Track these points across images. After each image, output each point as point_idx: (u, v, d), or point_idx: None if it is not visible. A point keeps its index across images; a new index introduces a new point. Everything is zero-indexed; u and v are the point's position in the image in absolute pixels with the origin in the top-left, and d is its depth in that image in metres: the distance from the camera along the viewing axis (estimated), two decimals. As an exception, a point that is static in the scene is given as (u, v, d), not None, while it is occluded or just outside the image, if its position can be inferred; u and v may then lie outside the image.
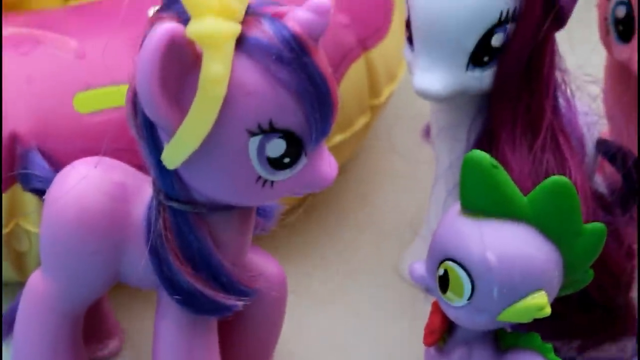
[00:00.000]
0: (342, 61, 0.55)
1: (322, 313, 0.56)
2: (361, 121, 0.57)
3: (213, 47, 0.37)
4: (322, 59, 0.39)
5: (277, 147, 0.40)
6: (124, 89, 0.41)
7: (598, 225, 0.43)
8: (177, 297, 0.43)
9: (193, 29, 0.37)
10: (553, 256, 0.43)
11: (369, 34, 0.57)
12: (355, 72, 0.56)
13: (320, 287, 0.57)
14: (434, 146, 0.53)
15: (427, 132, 0.56)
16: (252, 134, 0.39)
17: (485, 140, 0.48)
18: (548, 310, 0.42)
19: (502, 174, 0.42)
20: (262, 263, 0.47)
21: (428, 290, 0.44)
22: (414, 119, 0.61)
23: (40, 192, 0.46)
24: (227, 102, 0.38)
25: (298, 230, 0.58)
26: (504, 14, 0.46)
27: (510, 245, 0.42)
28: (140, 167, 0.44)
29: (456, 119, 0.50)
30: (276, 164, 0.40)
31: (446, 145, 0.51)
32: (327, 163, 0.42)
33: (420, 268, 0.45)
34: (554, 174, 0.47)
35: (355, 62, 0.56)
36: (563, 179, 0.42)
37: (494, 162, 0.42)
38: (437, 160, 0.53)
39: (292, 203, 0.51)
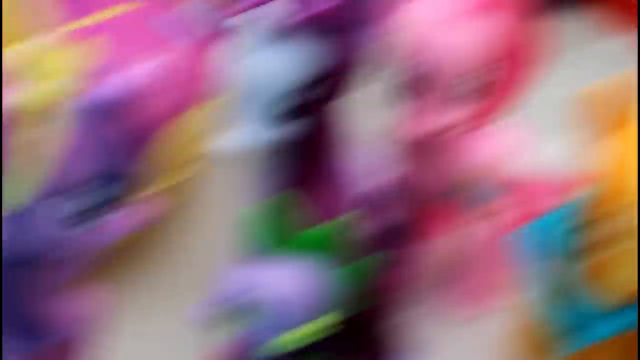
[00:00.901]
0: (160, 122, 0.56)
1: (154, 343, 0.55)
2: (186, 172, 0.58)
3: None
4: (142, 118, 0.41)
5: (96, 196, 0.41)
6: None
7: (372, 257, 0.47)
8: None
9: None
10: (331, 286, 0.46)
11: (186, 98, 0.58)
12: (179, 129, 0.58)
13: (133, 333, 0.56)
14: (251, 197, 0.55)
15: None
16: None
17: (291, 188, 0.51)
18: (325, 334, 0.45)
19: (288, 215, 0.45)
20: (74, 304, 0.46)
21: (228, 320, 0.46)
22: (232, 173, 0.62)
23: None
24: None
25: (115, 272, 0.57)
26: (307, 77, 0.49)
27: (291, 278, 0.45)
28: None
29: (267, 170, 0.53)
30: (95, 212, 0.41)
31: (259, 192, 0.53)
32: (140, 210, 0.43)
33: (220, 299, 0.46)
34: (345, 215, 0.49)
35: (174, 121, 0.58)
36: (342, 218, 0.45)
37: (281, 204, 0.45)
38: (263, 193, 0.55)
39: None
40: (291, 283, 0.44)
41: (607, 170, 0.41)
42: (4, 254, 0.39)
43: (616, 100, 0.43)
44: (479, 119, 0.58)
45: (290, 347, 0.44)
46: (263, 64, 0.48)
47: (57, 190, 0.39)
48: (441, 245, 0.60)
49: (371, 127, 0.54)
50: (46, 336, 0.43)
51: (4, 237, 0.39)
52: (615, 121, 0.43)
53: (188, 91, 0.56)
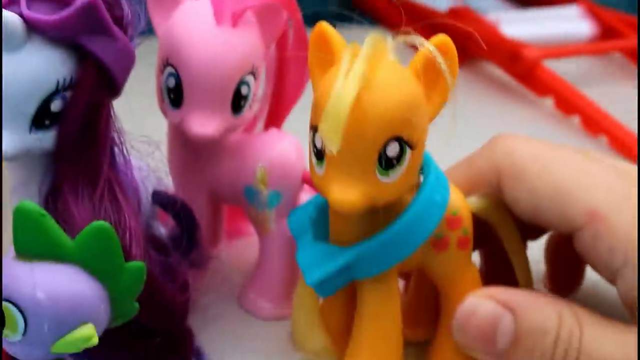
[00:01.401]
0: None
1: None
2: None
3: None
4: None
5: None
6: None
7: (138, 263, 0.44)
8: None
9: None
10: (99, 292, 0.43)
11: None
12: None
13: None
14: (10, 203, 0.51)
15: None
16: None
17: (53, 194, 0.47)
18: (95, 340, 0.42)
19: (50, 221, 0.40)
20: None
21: None
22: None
23: None
24: None
25: None
26: (61, 83, 0.45)
27: (57, 284, 0.42)
28: None
29: (28, 176, 0.48)
30: None
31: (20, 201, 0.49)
32: None
33: None
34: (110, 221, 0.45)
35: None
36: (102, 223, 0.42)
37: (42, 211, 0.40)
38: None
39: None
40: (60, 287, 0.42)
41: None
42: None
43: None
44: (255, 123, 0.57)
45: (67, 350, 0.42)
46: (11, 67, 0.44)
47: None
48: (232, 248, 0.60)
49: (144, 132, 0.49)
50: None
51: None
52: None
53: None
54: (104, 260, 0.43)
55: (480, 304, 0.48)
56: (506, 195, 0.50)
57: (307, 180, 0.57)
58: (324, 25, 0.48)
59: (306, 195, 0.58)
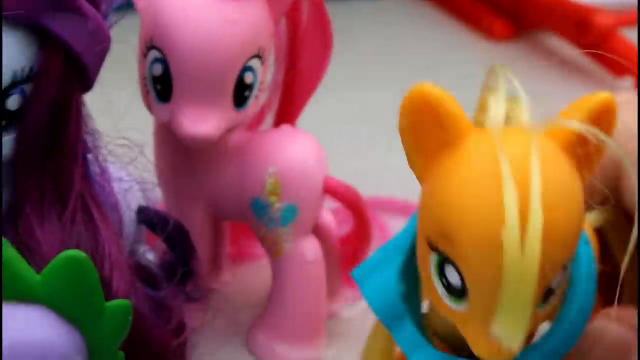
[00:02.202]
0: None
1: None
2: None
3: None
4: None
5: None
6: None
7: (122, 302, 0.43)
8: None
9: None
10: (73, 340, 0.42)
11: None
12: None
13: None
14: None
15: None
16: None
17: (12, 215, 0.46)
18: None
19: (8, 251, 0.40)
20: None
21: None
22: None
23: None
24: None
25: None
26: (18, 74, 0.44)
27: (20, 330, 0.41)
28: None
29: (-22, 192, 0.47)
30: None
31: None
32: None
33: None
34: (86, 248, 0.45)
35: None
36: (75, 253, 0.41)
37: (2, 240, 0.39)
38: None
39: None
40: (22, 334, 0.41)
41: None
42: None
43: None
44: (262, 119, 0.56)
45: None
46: None
47: None
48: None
49: (124, 134, 0.48)
50: None
51: None
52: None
53: None
54: (78, 299, 0.42)
55: (608, 329, 0.48)
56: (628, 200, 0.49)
57: (330, 189, 0.55)
58: (428, 89, 0.39)
59: (327, 211, 0.57)
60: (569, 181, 0.39)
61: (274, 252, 0.56)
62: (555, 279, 0.41)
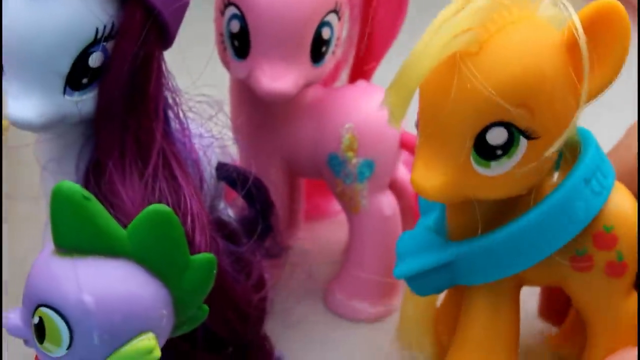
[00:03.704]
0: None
1: None
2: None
3: None
4: None
5: None
6: None
7: (206, 256, 0.42)
8: None
9: None
10: (160, 293, 0.42)
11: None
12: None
13: None
14: (42, 182, 0.50)
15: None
16: None
17: (94, 170, 0.46)
18: (157, 354, 0.41)
19: (96, 206, 0.40)
20: None
21: (26, 342, 0.41)
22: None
23: None
24: None
25: None
26: (100, 32, 0.44)
27: (109, 285, 0.41)
28: None
29: (62, 149, 0.48)
30: None
31: (54, 180, 0.48)
32: None
33: (15, 317, 0.42)
34: (168, 203, 0.44)
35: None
36: (162, 207, 0.41)
37: (86, 193, 0.39)
38: (46, 198, 0.50)
39: None
40: (111, 287, 0.41)
41: None
42: None
43: None
44: (337, 76, 0.56)
45: None
46: (38, 15, 0.44)
47: None
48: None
49: (203, 90, 0.48)
50: None
51: None
52: None
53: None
54: (164, 253, 0.42)
55: None
56: None
57: (407, 144, 0.55)
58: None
59: (403, 166, 0.57)
60: (528, 51, 0.42)
61: (351, 208, 0.56)
62: (490, 134, 0.43)
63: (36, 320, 0.41)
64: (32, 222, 0.60)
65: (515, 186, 0.44)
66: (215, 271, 0.43)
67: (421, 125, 0.43)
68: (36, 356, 0.43)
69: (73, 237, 0.41)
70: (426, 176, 0.44)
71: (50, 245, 0.42)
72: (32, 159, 0.57)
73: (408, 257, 0.48)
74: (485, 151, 0.43)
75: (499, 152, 0.43)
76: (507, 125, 0.42)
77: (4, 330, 0.43)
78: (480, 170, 0.43)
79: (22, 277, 0.55)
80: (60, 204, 0.41)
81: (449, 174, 0.43)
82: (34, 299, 0.41)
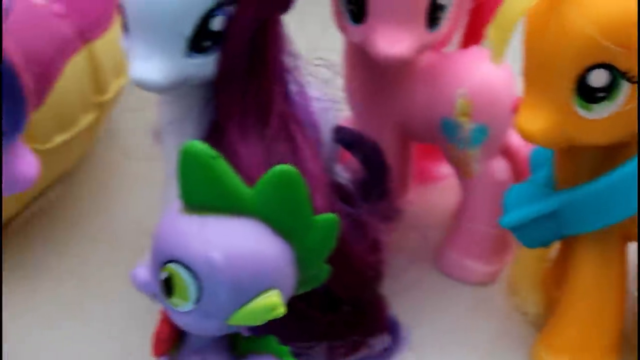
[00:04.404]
0: (59, 54, 0.52)
1: (54, 331, 0.53)
2: (86, 119, 0.54)
3: None
4: (9, 44, 0.36)
5: None
6: None
7: (329, 216, 0.42)
8: None
9: None
10: (284, 252, 0.42)
11: (90, 25, 0.54)
12: (76, 66, 0.53)
13: (51, 305, 0.55)
14: (162, 143, 0.50)
15: (158, 134, 0.54)
16: None
17: (214, 132, 0.47)
18: (282, 310, 0.41)
19: (223, 166, 0.40)
20: None
21: (155, 296, 0.41)
22: (149, 117, 0.58)
23: None
24: None
25: (20, 245, 0.54)
26: None
27: (236, 242, 0.41)
28: None
29: (182, 111, 0.48)
30: None
31: (174, 141, 0.49)
32: (26, 162, 0.39)
33: (143, 273, 0.42)
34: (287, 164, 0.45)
35: (75, 55, 0.53)
36: (288, 168, 0.41)
37: (213, 153, 0.40)
38: (166, 158, 0.50)
39: (15, 208, 0.47)
40: (238, 245, 0.41)
41: None
42: None
43: None
44: (449, 40, 0.57)
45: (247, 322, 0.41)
46: None
47: None
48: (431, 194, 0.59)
49: (320, 53, 0.48)
50: None
51: None
52: None
53: (92, 10, 0.52)
54: (289, 213, 0.42)
55: None
56: None
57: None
58: None
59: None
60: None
61: (464, 173, 0.56)
62: (591, 76, 0.43)
63: (164, 275, 0.41)
64: (146, 181, 0.61)
65: (619, 131, 0.44)
66: (337, 231, 0.43)
67: (525, 70, 0.44)
68: (162, 311, 0.43)
69: (201, 195, 0.41)
70: (531, 120, 0.44)
71: (177, 203, 0.42)
72: (142, 123, 0.58)
73: (515, 207, 0.48)
74: (587, 94, 0.43)
75: (601, 94, 0.43)
76: (609, 67, 0.42)
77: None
78: (583, 113, 0.43)
79: (140, 235, 0.57)
80: (188, 163, 0.41)
81: (553, 118, 0.44)
82: (163, 255, 0.42)
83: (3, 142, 0.37)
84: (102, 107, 0.56)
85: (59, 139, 0.53)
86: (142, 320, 0.54)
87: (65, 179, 0.47)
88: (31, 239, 0.57)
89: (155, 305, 0.51)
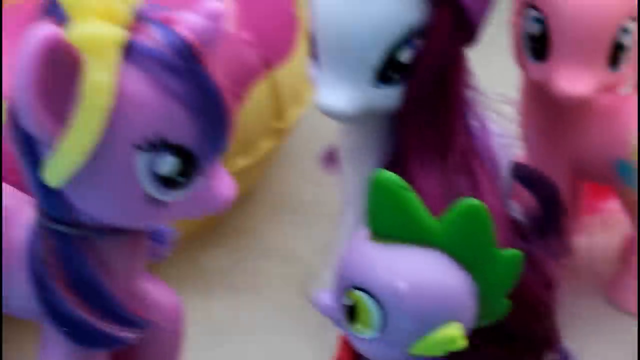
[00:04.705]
0: (245, 81, 0.53)
1: (227, 343, 0.55)
2: (265, 145, 0.56)
3: (96, 52, 0.35)
4: (215, 69, 0.37)
5: (168, 164, 0.38)
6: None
7: (513, 251, 0.43)
8: (63, 329, 0.40)
9: (74, 33, 0.35)
10: (467, 284, 0.42)
11: (274, 53, 0.56)
12: (259, 93, 0.55)
13: (225, 317, 0.56)
14: (341, 170, 0.51)
15: (328, 158, 0.55)
16: (141, 149, 0.37)
17: (394, 162, 0.47)
18: (462, 343, 0.41)
19: (412, 196, 0.41)
20: (157, 292, 0.45)
21: (336, 322, 0.42)
22: (325, 145, 0.59)
23: None
24: (113, 115, 0.36)
25: (200, 258, 0.56)
26: (412, 29, 0.44)
27: (421, 273, 0.41)
28: (21, 188, 0.41)
29: (364, 140, 0.49)
30: (168, 182, 0.38)
31: (354, 168, 0.50)
32: (224, 183, 0.40)
33: (327, 297, 0.43)
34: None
35: (259, 82, 0.54)
36: (476, 201, 0.41)
37: (403, 183, 0.40)
38: (345, 185, 0.51)
39: (193, 227, 0.49)
40: (424, 276, 0.41)
41: None
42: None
43: None
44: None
45: (428, 352, 0.41)
46: (355, 11, 0.45)
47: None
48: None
49: (501, 89, 0.48)
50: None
51: None
52: None
53: (278, 39, 0.53)
54: (475, 247, 0.42)
55: None
56: None
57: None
58: None
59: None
60: None
61: (636, 214, 0.55)
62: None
63: (348, 302, 0.42)
64: (320, 204, 0.62)
65: None
66: (520, 267, 0.43)
67: None
68: (342, 337, 0.44)
69: (389, 224, 0.42)
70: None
71: (363, 231, 0.42)
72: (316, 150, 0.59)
73: None
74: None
75: None
76: None
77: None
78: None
79: (314, 253, 0.58)
80: (378, 192, 0.41)
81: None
82: (348, 282, 0.42)
83: (206, 163, 0.38)
84: (281, 134, 0.58)
85: (241, 163, 0.54)
86: (316, 338, 0.54)
87: (243, 199, 0.49)
88: (207, 255, 0.58)
89: (328, 321, 0.52)
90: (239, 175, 0.50)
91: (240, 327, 0.56)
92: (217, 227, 0.60)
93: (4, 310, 0.44)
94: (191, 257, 0.56)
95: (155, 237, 0.45)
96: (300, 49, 0.58)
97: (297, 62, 0.58)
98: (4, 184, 0.43)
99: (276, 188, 0.63)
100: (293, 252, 0.59)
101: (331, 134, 0.54)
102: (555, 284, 0.50)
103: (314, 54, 0.48)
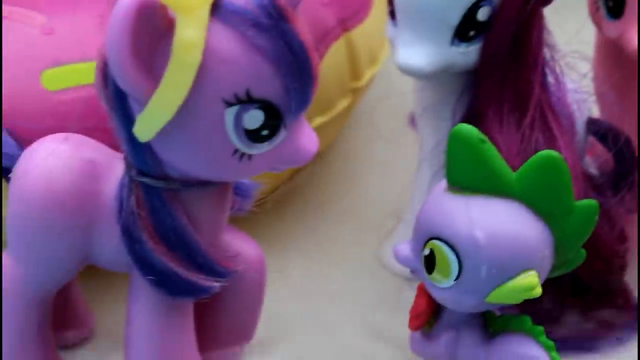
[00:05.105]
0: (322, 41, 0.54)
1: (301, 303, 0.55)
2: (342, 104, 0.56)
3: (186, 11, 0.36)
4: (301, 27, 0.38)
5: (255, 118, 0.39)
6: (93, 65, 0.40)
7: (590, 202, 0.43)
8: (150, 278, 0.42)
9: None
10: (543, 234, 0.43)
11: (350, 14, 0.56)
12: (336, 53, 0.55)
13: (299, 277, 0.57)
14: (417, 127, 0.52)
15: (413, 119, 0.56)
16: (229, 104, 0.38)
17: (471, 118, 0.48)
18: (539, 291, 0.41)
19: (490, 149, 0.41)
20: (240, 244, 0.46)
21: (413, 271, 0.43)
22: (397, 104, 0.60)
23: (6, 171, 0.45)
24: (202, 70, 0.37)
25: (275, 220, 0.58)
26: None
27: (499, 223, 0.42)
28: (112, 146, 0.43)
29: (441, 97, 0.49)
30: (254, 136, 0.39)
31: (431, 125, 0.51)
32: (307, 137, 0.41)
33: (405, 249, 0.44)
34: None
35: (335, 42, 0.55)
36: (553, 153, 0.41)
37: (482, 136, 0.41)
38: (421, 142, 0.52)
39: (271, 185, 0.50)
40: (501, 225, 0.42)
41: None
42: None
43: None
44: None
45: (504, 300, 0.42)
46: None
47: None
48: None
49: (576, 47, 0.49)
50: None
51: None
52: None
53: (353, 1, 0.54)
54: (551, 198, 0.42)
55: None
56: None
57: None
58: None
59: None
60: None
61: None
62: None
63: (427, 252, 0.43)
64: (393, 165, 0.62)
65: None
66: (596, 218, 0.43)
67: None
68: (420, 286, 0.45)
69: (467, 176, 0.42)
70: None
71: (443, 183, 0.43)
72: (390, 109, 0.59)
73: None
74: None
75: None
76: None
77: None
78: None
79: (385, 217, 0.59)
80: (457, 145, 0.42)
81: None
82: (426, 232, 0.43)
83: (291, 118, 0.39)
84: (356, 93, 0.58)
85: (318, 121, 0.55)
86: (390, 298, 0.55)
87: (316, 160, 0.49)
88: (282, 216, 0.59)
89: (400, 284, 0.52)
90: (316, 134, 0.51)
91: (316, 289, 0.57)
92: (292, 193, 0.61)
93: (94, 263, 0.45)
94: (266, 220, 0.56)
95: (239, 190, 0.46)
96: (375, 9, 0.59)
97: (372, 22, 0.58)
98: (94, 141, 0.45)
99: (349, 149, 0.63)
100: (366, 214, 0.60)
101: (404, 93, 0.54)
102: (628, 237, 0.50)
103: (392, 14, 0.48)
